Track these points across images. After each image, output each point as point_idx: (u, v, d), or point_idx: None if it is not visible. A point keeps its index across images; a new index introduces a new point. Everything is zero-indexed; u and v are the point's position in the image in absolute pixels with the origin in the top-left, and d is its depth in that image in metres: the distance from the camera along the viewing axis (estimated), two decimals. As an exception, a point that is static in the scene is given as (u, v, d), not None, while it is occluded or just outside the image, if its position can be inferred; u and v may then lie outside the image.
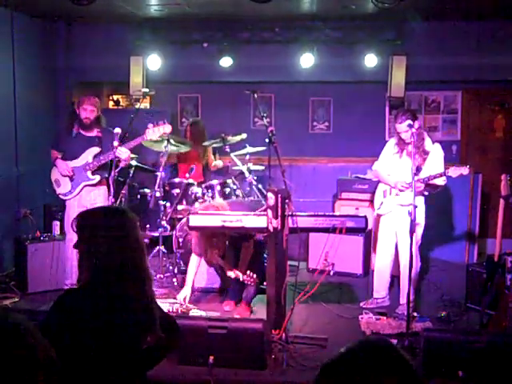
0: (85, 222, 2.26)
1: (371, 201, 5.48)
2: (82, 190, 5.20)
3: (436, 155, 4.91)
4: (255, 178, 6.17)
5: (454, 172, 4.66)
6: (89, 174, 5.17)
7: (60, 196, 5.26)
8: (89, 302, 2.12)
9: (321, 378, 1.10)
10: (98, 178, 5.20)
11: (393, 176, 5.06)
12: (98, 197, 5.26)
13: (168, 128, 5.12)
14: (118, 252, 2.18)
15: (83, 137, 5.22)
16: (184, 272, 5.82)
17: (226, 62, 7.16)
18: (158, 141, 6.00)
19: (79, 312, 2.08)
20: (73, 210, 5.15)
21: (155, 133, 5.06)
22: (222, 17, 6.90)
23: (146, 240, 6.63)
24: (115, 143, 4.92)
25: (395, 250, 5.11)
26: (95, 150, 5.19)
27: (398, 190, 4.97)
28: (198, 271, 5.51)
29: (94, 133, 5.22)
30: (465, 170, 4.64)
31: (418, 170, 4.76)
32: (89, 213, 2.36)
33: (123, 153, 4.94)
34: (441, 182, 4.81)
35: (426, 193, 4.97)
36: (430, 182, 4.78)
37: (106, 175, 5.23)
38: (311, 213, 4.49)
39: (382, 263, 5.17)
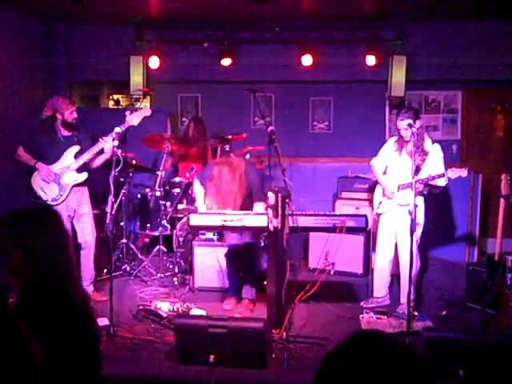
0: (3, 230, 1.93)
1: (371, 200, 5.48)
2: (71, 192, 5.16)
3: (435, 156, 4.91)
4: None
5: (453, 174, 4.67)
6: (75, 172, 5.14)
7: (48, 202, 5.10)
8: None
9: (323, 371, 1.11)
10: (85, 174, 5.18)
11: (387, 176, 5.07)
12: (83, 197, 5.24)
13: (148, 111, 5.20)
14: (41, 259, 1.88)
15: (65, 138, 5.18)
16: (184, 271, 5.84)
17: (226, 61, 7.17)
18: (158, 140, 6.01)
19: None
20: (62, 214, 5.09)
21: (135, 118, 5.09)
22: (222, 17, 6.91)
23: (147, 239, 6.65)
24: (115, 142, 4.93)
25: (395, 249, 5.11)
26: (75, 148, 5.16)
27: (389, 194, 5.00)
28: (199, 271, 5.52)
29: (71, 132, 5.19)
30: (463, 173, 4.65)
31: (417, 170, 4.75)
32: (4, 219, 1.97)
33: (106, 143, 4.95)
34: (442, 182, 4.81)
35: (425, 192, 4.97)
36: (431, 182, 4.78)
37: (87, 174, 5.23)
38: (311, 212, 4.49)
39: (381, 262, 5.17)
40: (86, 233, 5.22)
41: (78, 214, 5.21)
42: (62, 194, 5.12)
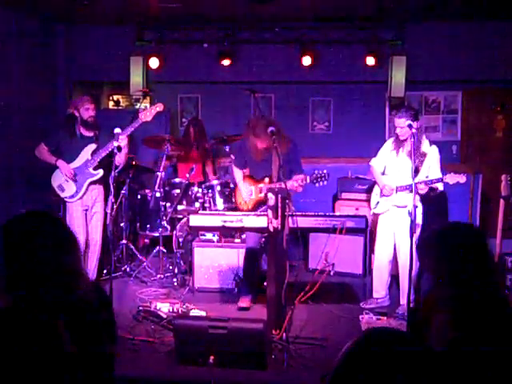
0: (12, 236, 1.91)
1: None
2: (87, 189, 5.24)
3: (433, 158, 4.89)
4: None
5: (452, 179, 4.66)
6: (91, 170, 5.21)
7: (66, 199, 5.25)
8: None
9: (342, 366, 1.11)
10: (101, 172, 5.24)
11: (386, 177, 5.06)
12: (99, 195, 5.33)
13: (160, 107, 5.23)
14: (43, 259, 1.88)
15: (84, 137, 5.26)
16: (184, 272, 5.84)
17: (225, 62, 7.17)
18: (158, 141, 6.02)
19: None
20: (76, 210, 5.22)
21: (148, 115, 5.12)
22: (222, 17, 6.91)
23: (147, 240, 6.65)
24: (115, 143, 4.94)
25: (394, 249, 5.10)
26: (92, 146, 5.23)
27: (387, 192, 4.99)
28: (198, 272, 5.53)
29: (92, 132, 5.26)
30: (462, 178, 4.64)
31: (416, 172, 4.74)
32: (11, 224, 1.96)
33: (122, 140, 4.96)
34: (441, 186, 4.81)
35: (424, 191, 4.93)
36: (432, 185, 4.77)
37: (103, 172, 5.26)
38: (311, 213, 4.49)
39: (380, 263, 5.17)
40: (95, 230, 5.32)
41: (91, 212, 5.31)
42: (78, 191, 5.21)
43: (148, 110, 5.16)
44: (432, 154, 4.90)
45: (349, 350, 1.14)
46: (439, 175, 4.77)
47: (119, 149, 4.99)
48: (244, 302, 5.07)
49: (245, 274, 5.20)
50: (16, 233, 1.93)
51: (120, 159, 5.19)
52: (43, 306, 1.84)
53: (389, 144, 5.15)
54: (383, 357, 1.08)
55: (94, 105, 5.27)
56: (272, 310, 4.33)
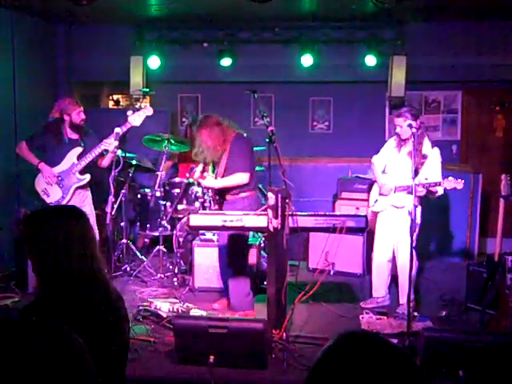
0: (29, 229, 2.05)
1: (371, 200, 5.48)
2: (74, 194, 5.15)
3: (434, 160, 4.87)
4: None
5: (449, 184, 4.64)
6: (77, 174, 5.12)
7: (51, 205, 5.08)
8: (50, 315, 1.93)
9: (315, 374, 1.09)
10: (88, 176, 5.16)
11: (386, 176, 5.06)
12: (86, 199, 5.24)
13: (150, 110, 5.15)
14: (66, 256, 2.01)
15: (71, 140, 5.17)
16: (184, 271, 5.85)
17: (226, 61, 7.17)
18: (158, 140, 6.01)
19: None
20: None
21: (137, 118, 5.06)
22: (222, 17, 6.91)
23: (147, 240, 6.65)
24: (115, 143, 4.93)
25: (393, 249, 5.09)
26: (78, 150, 5.14)
27: (386, 191, 4.99)
28: (199, 271, 5.53)
29: (77, 134, 5.18)
30: (459, 185, 4.62)
31: (416, 172, 4.74)
32: (31, 218, 2.10)
33: (109, 144, 4.94)
34: (440, 190, 4.79)
35: (422, 194, 4.91)
36: (431, 188, 4.76)
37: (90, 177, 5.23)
38: (311, 212, 4.49)
39: (380, 262, 5.16)
40: None
41: None
42: (64, 196, 5.11)
43: (137, 114, 5.10)
44: (433, 156, 4.87)
45: (324, 352, 1.12)
46: (439, 178, 4.75)
47: (106, 152, 4.99)
48: (219, 303, 5.10)
49: (221, 275, 5.18)
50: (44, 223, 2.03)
51: (106, 161, 5.16)
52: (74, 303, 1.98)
53: (391, 142, 5.15)
54: (357, 361, 1.07)
55: (82, 107, 5.17)
56: (272, 310, 4.33)
